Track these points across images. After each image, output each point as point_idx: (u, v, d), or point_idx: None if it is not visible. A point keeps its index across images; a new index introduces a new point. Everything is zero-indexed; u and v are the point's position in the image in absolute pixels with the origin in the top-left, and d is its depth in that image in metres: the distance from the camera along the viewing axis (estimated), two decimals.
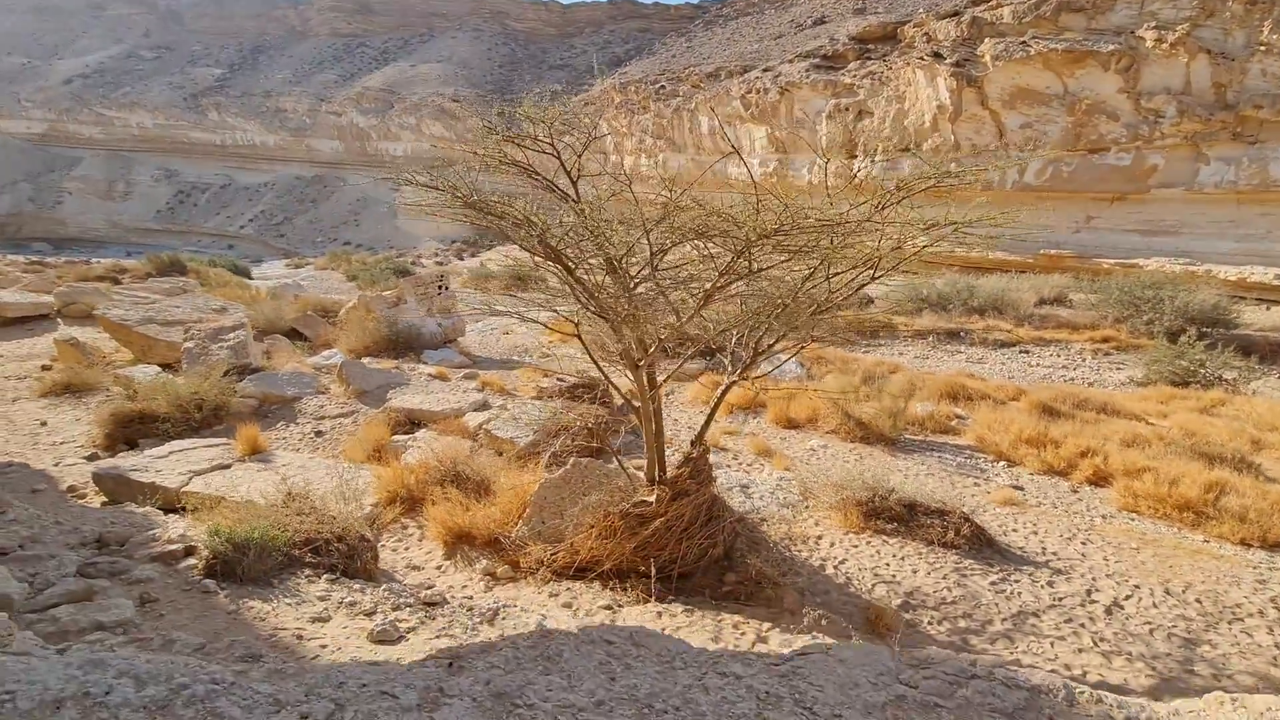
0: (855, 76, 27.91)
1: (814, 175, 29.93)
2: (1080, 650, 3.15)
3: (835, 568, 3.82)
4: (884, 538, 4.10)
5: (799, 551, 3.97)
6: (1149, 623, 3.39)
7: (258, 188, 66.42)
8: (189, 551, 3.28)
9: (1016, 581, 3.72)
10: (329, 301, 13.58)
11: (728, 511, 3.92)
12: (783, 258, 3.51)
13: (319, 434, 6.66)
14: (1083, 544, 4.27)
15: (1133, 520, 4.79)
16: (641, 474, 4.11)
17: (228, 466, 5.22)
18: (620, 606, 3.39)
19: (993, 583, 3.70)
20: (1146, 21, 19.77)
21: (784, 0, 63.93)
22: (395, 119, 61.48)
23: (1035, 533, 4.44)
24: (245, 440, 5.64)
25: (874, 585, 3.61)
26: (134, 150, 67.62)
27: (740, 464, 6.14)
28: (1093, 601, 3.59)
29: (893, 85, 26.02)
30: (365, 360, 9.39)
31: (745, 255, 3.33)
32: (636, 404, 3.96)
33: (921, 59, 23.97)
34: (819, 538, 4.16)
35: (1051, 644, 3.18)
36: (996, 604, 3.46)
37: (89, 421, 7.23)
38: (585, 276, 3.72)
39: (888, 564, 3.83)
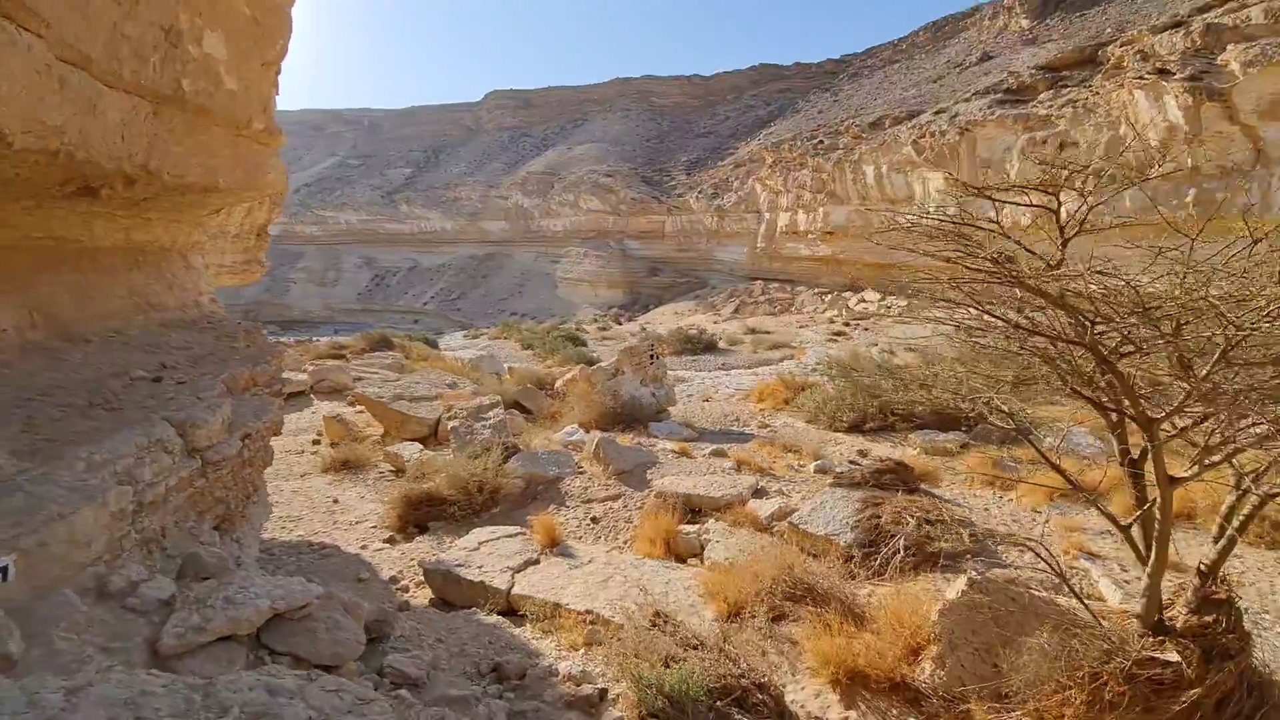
0: (1051, 107, 25.41)
1: (1003, 217, 27.24)
2: None
3: None
4: None
5: None
6: None
7: (438, 268, 74.32)
8: (601, 695, 2.82)
9: None
10: (541, 373, 13.99)
11: (1274, 686, 2.78)
12: None
13: (594, 520, 6.34)
14: None
15: None
16: (1104, 606, 3.12)
17: (536, 562, 4.94)
18: None
19: None
20: None
21: (934, 44, 61.67)
22: (555, 197, 66.39)
23: None
24: (543, 530, 5.38)
25: None
26: (342, 243, 78.98)
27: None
28: None
29: (1101, 111, 23.25)
30: (595, 434, 9.23)
31: None
32: (1083, 493, 3.01)
33: (1141, 78, 21.21)
34: None
35: None
36: None
37: (373, 499, 7.53)
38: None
39: None
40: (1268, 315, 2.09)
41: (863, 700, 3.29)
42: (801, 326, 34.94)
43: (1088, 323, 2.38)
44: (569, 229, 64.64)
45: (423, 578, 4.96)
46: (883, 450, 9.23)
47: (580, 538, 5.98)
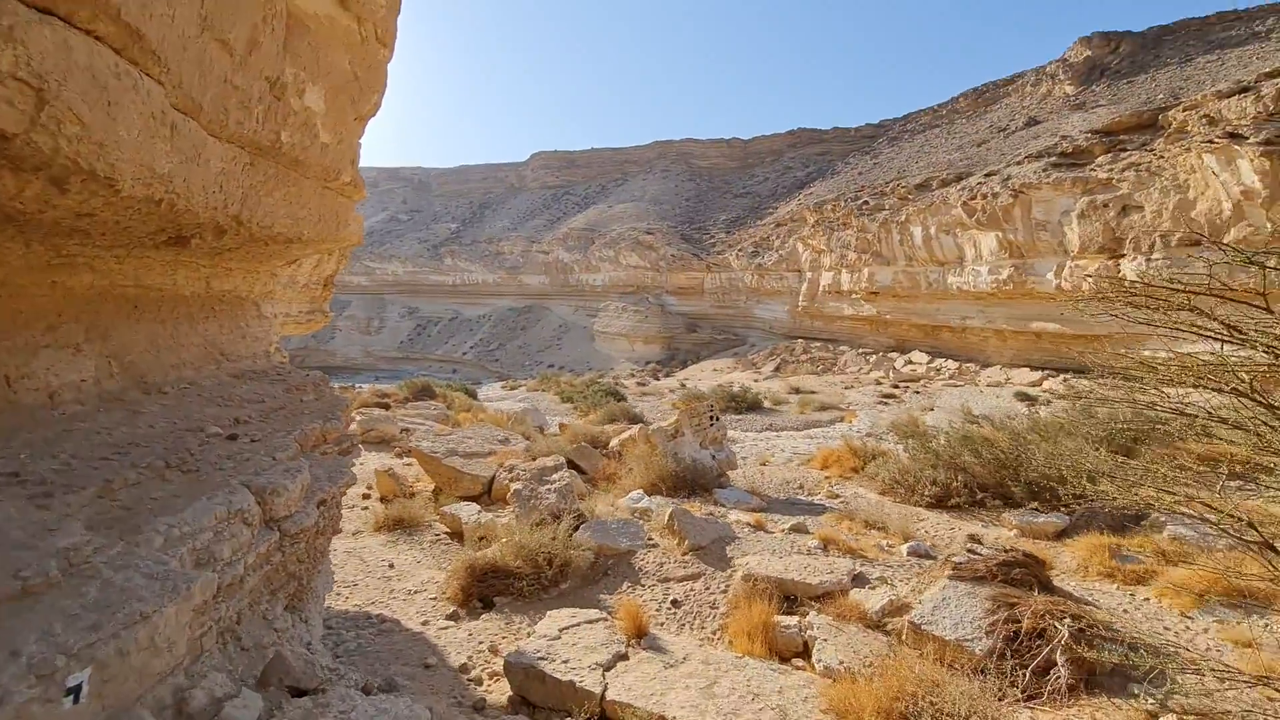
0: (1111, 170, 24.89)
1: (1064, 279, 26.47)
2: None
3: None
4: None
5: None
6: None
7: (478, 319, 75.71)
8: None
9: None
10: (595, 431, 13.58)
11: None
12: None
13: (675, 603, 5.75)
14: None
15: None
16: None
17: (625, 657, 4.37)
18: None
19: None
20: None
21: (975, 110, 62.14)
22: (595, 253, 67.58)
23: None
24: (628, 618, 4.83)
25: None
26: (388, 293, 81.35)
27: None
28: None
29: (1167, 175, 22.63)
30: (661, 501, 8.68)
31: None
32: None
33: (1212, 141, 20.63)
34: None
35: None
36: None
37: (430, 564, 7.08)
38: None
39: None
40: None
41: None
42: (847, 387, 34.04)
43: None
44: (608, 283, 65.46)
45: (498, 668, 4.43)
46: (972, 529, 8.46)
47: (662, 624, 5.39)
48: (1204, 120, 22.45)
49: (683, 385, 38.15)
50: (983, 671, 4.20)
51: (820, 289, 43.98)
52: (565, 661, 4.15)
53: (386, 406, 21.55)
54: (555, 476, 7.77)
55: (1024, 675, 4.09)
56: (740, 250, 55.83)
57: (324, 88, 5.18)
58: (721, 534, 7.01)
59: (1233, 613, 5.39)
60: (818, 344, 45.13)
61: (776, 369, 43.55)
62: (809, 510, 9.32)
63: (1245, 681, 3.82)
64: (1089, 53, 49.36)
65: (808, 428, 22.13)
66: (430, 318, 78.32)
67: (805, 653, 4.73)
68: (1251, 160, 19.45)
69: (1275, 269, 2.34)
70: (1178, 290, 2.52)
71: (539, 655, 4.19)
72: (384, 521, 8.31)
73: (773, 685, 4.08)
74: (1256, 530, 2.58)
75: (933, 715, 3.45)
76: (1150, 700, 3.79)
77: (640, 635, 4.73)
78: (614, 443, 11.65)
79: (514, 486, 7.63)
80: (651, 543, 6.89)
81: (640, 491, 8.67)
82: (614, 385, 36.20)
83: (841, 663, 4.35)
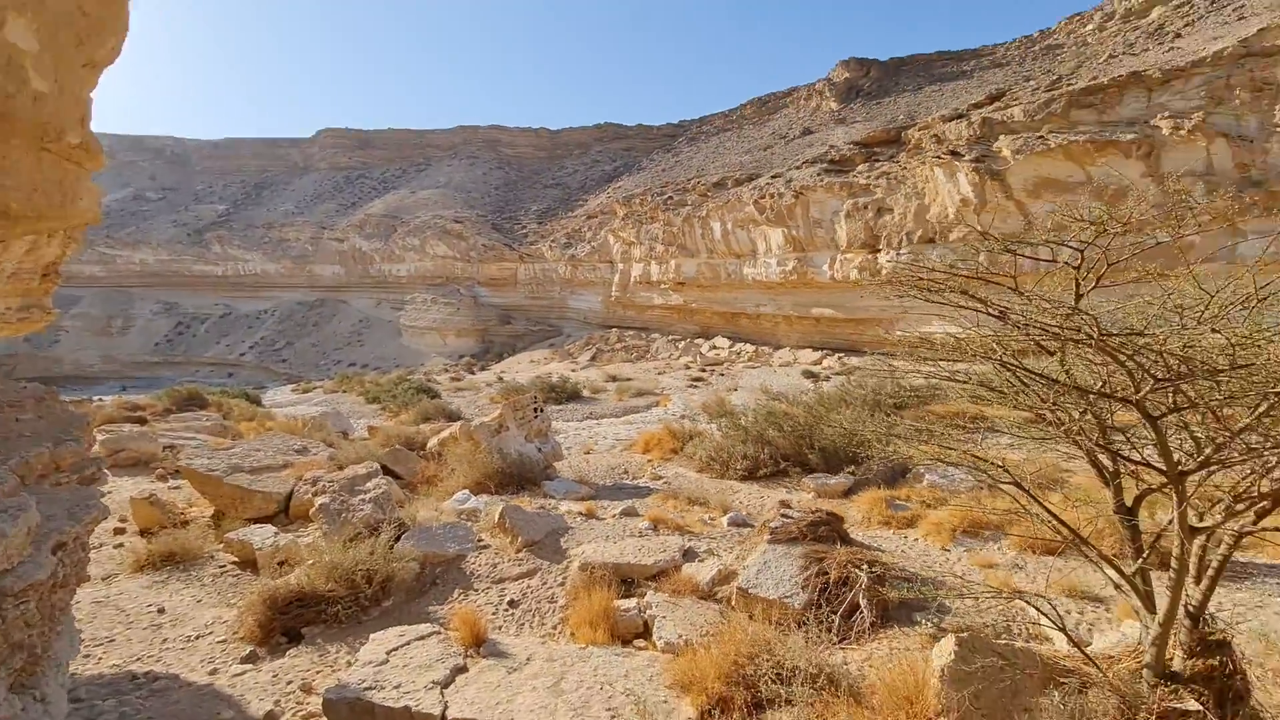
0: (869, 177, 29.04)
1: (835, 271, 30.41)
2: None
3: None
4: None
5: None
6: None
7: (258, 315, 66.55)
8: None
9: None
10: (410, 432, 12.60)
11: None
12: None
13: (512, 604, 5.52)
14: None
15: None
16: (1098, 654, 3.12)
17: (465, 669, 4.09)
18: None
19: None
20: (1157, 112, 20.88)
21: (760, 117, 68.62)
22: (399, 241, 62.97)
23: None
24: (464, 626, 4.54)
25: None
26: (135, 286, 68.02)
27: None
28: None
29: (910, 183, 27.01)
30: (488, 500, 8.35)
31: None
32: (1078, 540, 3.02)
33: (939, 157, 24.99)
34: None
35: None
36: None
37: (215, 603, 6.04)
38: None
39: None
40: None
41: None
42: (660, 373, 35.79)
43: (1153, 381, 2.39)
44: (414, 274, 61.46)
45: (316, 708, 3.88)
46: (780, 495, 9.35)
47: (501, 627, 5.16)
48: (933, 139, 27.15)
49: (500, 378, 37.23)
50: (803, 623, 4.64)
51: (632, 280, 45.60)
52: (397, 686, 3.77)
53: (142, 421, 18.01)
54: (369, 485, 7.06)
55: (835, 621, 4.59)
56: (553, 241, 55.79)
57: (35, 20, 4.07)
58: (554, 526, 6.92)
59: (975, 541, 6.60)
60: (631, 332, 46.81)
61: (593, 358, 44.38)
62: (636, 493, 9.61)
63: (991, 595, 4.66)
64: (847, 75, 57.05)
65: (627, 414, 22.87)
66: (194, 314, 67.08)
67: (646, 633, 4.84)
68: (966, 174, 23.97)
69: (1025, 256, 2.85)
70: (956, 275, 2.97)
71: (365, 685, 3.75)
72: (147, 559, 6.91)
73: (619, 670, 4.11)
74: (1008, 472, 3.13)
75: (771, 670, 3.72)
76: (930, 625, 4.48)
77: (479, 643, 4.48)
78: (432, 443, 10.95)
79: (319, 501, 6.78)
80: (483, 544, 6.58)
81: (466, 492, 8.24)
82: (426, 382, 34.13)
83: (680, 636, 4.51)
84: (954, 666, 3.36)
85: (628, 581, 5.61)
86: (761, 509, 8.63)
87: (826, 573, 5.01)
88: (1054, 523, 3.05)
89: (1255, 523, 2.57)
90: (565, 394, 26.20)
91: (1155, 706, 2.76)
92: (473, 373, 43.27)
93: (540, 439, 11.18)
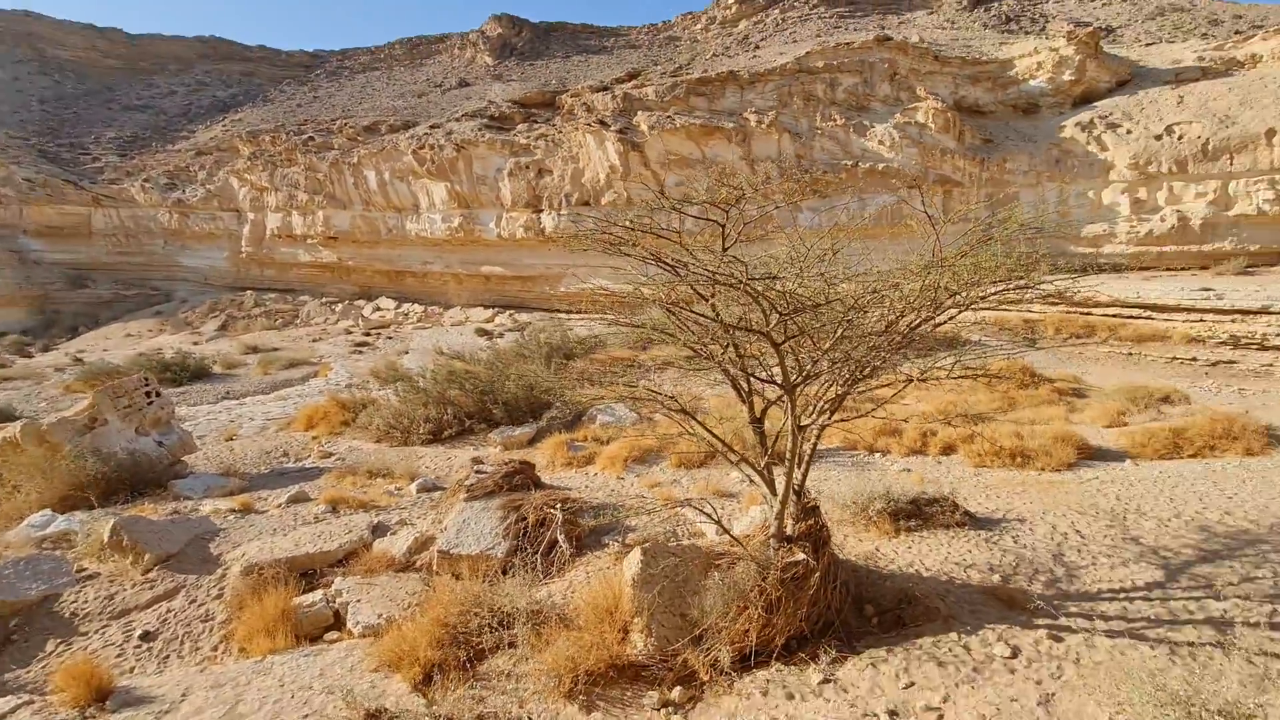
0: (529, 138, 29.77)
1: (502, 229, 30.73)
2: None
3: (922, 567, 4.30)
4: (918, 534, 4.77)
5: (885, 566, 4.34)
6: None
7: None
8: None
9: (1016, 536, 4.72)
10: None
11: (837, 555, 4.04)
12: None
13: (147, 636, 4.34)
14: (1002, 497, 5.59)
15: (984, 472, 6.52)
16: (721, 534, 3.94)
17: None
18: (834, 679, 3.23)
19: (1015, 540, 4.54)
20: (748, 107, 26.01)
21: (412, 60, 64.14)
22: None
23: (970, 498, 5.59)
24: (74, 680, 3.45)
25: (965, 570, 4.22)
26: None
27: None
28: (1052, 528, 4.71)
29: (566, 147, 28.57)
30: (79, 516, 6.41)
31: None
32: (739, 457, 3.79)
33: (590, 125, 26.95)
34: (877, 549, 4.61)
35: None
36: (1033, 556, 4.39)
37: None
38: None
39: (946, 553, 4.49)
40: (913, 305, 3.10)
41: (600, 699, 3.33)
42: (315, 340, 31.64)
43: (778, 315, 3.01)
44: None
45: None
46: (469, 454, 9.31)
47: (135, 669, 4.07)
48: (584, 107, 29.10)
49: (78, 360, 28.30)
50: (509, 569, 4.78)
51: (268, 232, 38.77)
52: None
53: None
54: None
55: (538, 560, 4.85)
56: (148, 181, 43.61)
57: None
58: (198, 532, 5.69)
59: (643, 466, 7.64)
60: (273, 295, 40.07)
61: (223, 327, 36.83)
62: (303, 476, 8.48)
63: (662, 508, 5.47)
64: (500, 30, 56.83)
65: (278, 389, 19.76)
66: None
67: (339, 623, 4.40)
68: (613, 144, 26.43)
69: (691, 218, 3.32)
70: (634, 229, 3.29)
71: None
72: None
73: (312, 671, 3.67)
74: (676, 400, 3.69)
75: (490, 620, 3.76)
76: (618, 544, 5.08)
77: (103, 696, 3.48)
78: None
79: None
80: (86, 574, 5.05)
81: (48, 512, 6.17)
82: None
83: (381, 615, 4.23)
84: (641, 573, 3.88)
85: (309, 574, 4.98)
86: (451, 470, 8.49)
87: (525, 518, 5.23)
88: (708, 438, 3.71)
89: (830, 418, 3.56)
90: (188, 373, 21.30)
91: (779, 563, 3.63)
92: (29, 355, 31.94)
93: (160, 430, 8.94)
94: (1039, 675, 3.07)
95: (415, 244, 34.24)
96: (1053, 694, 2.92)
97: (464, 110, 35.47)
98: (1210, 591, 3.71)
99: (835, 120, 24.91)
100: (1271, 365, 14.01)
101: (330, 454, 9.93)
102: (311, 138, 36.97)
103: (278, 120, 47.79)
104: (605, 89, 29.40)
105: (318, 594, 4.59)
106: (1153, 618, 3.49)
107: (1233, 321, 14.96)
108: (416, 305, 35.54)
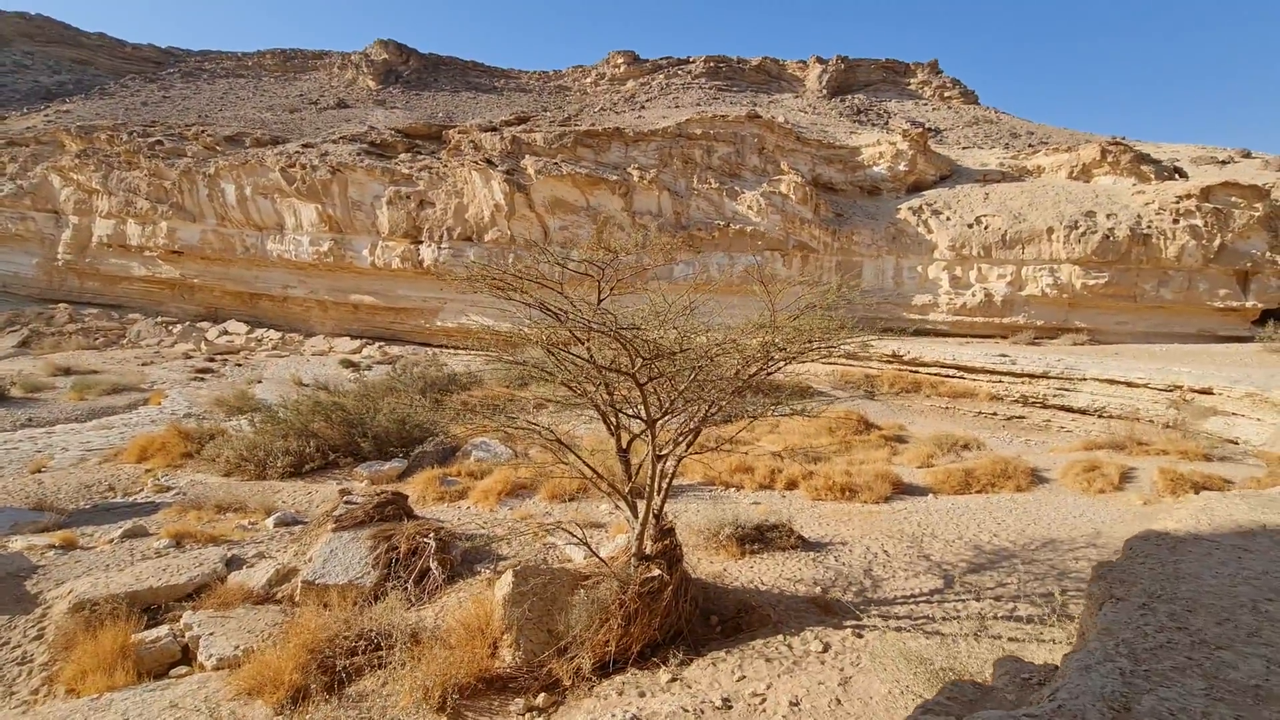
0: (411, 168, 29.27)
1: (376, 258, 29.64)
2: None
3: (760, 582, 4.90)
4: (759, 556, 5.41)
5: (730, 582, 4.89)
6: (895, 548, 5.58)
7: None
8: None
9: (838, 556, 5.53)
10: None
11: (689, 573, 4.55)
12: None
13: None
14: (830, 524, 6.46)
15: (819, 504, 7.44)
16: (588, 557, 4.34)
17: None
18: (680, 678, 3.66)
19: (836, 559, 5.34)
20: (632, 163, 27.51)
21: (285, 73, 60.88)
22: None
23: (805, 526, 6.40)
24: None
25: (794, 584, 4.87)
26: None
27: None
28: (866, 549, 5.63)
29: (451, 181, 28.41)
30: None
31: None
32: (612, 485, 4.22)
33: (477, 163, 27.10)
34: (725, 569, 5.17)
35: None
36: (849, 571, 5.18)
37: None
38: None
39: (780, 570, 5.15)
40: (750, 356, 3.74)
41: (469, 710, 3.53)
42: (146, 364, 28.21)
43: (641, 360, 3.51)
44: None
45: None
46: (329, 489, 8.96)
47: None
48: (471, 145, 29.23)
49: None
50: (379, 596, 4.82)
51: (95, 240, 34.41)
52: None
53: None
54: None
55: (410, 588, 4.94)
56: None
57: None
58: (9, 569, 5.14)
59: (516, 500, 7.85)
60: (94, 311, 35.31)
61: (24, 343, 31.78)
62: (136, 511, 7.76)
63: (534, 534, 5.75)
64: (387, 56, 55.68)
65: (97, 416, 17.46)
66: None
67: (188, 657, 4.22)
68: (499, 183, 26.73)
69: (570, 268, 3.80)
70: (523, 278, 3.71)
71: None
72: None
73: (160, 704, 3.55)
74: (553, 432, 4.09)
75: (357, 642, 3.83)
76: (489, 570, 5.28)
77: None
78: None
79: None
80: None
81: None
82: None
83: (238, 646, 4.13)
84: (512, 592, 4.17)
85: (154, 609, 4.69)
86: (312, 505, 8.16)
87: (396, 547, 5.30)
88: (581, 467, 4.13)
89: (688, 450, 4.13)
90: None
91: (638, 579, 4.09)
92: None
93: None
94: (842, 664, 3.74)
95: (277, 265, 31.99)
96: (850, 677, 3.58)
97: (341, 133, 34.16)
98: (974, 594, 4.67)
99: (710, 183, 27.02)
100: (1049, 420, 16.95)
101: (169, 488, 9.09)
102: (160, 141, 33.71)
103: (117, 117, 43.04)
104: (494, 129, 29.77)
105: (163, 629, 4.36)
106: (931, 616, 4.34)
107: (1023, 383, 17.93)
108: (273, 331, 32.95)
